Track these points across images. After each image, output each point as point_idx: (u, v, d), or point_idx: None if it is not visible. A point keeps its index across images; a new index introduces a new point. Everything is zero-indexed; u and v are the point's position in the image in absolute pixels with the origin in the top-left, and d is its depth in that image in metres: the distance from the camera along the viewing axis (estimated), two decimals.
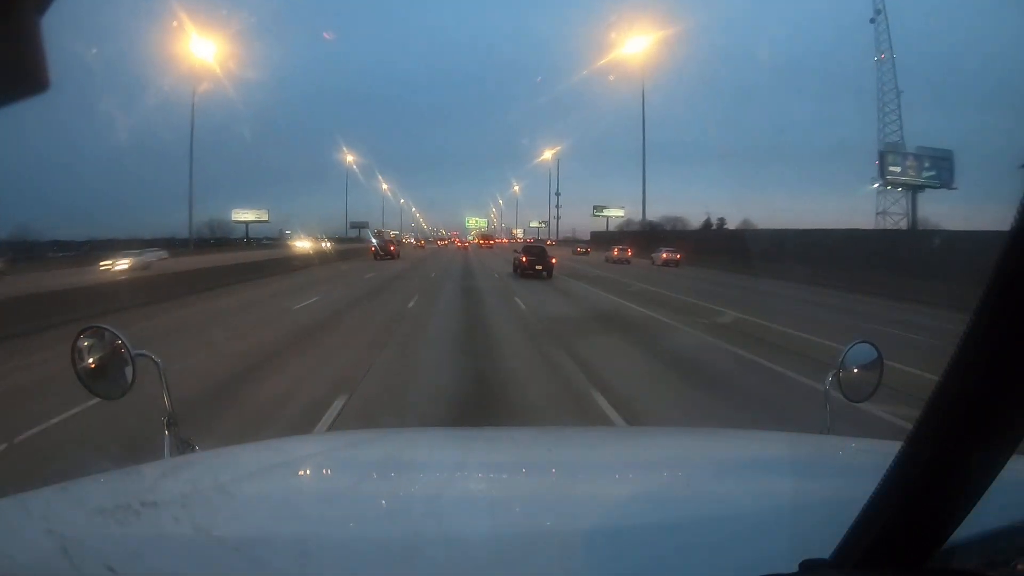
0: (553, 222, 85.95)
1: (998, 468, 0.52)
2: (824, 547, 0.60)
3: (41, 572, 0.66)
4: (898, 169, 39.69)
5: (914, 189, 40.06)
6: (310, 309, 11.61)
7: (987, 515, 0.59)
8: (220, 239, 61.37)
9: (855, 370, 1.38)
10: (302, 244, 43.72)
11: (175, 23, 39.10)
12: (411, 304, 12.34)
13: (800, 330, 9.53)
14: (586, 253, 46.42)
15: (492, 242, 72.84)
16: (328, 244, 45.12)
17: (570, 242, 70.83)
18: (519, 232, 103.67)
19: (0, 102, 0.40)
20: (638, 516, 0.87)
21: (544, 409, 5.10)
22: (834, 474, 1.10)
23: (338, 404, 4.88)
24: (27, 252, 33.34)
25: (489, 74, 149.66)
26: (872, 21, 40.78)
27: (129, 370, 1.27)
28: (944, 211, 41.09)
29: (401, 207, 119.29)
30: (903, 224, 39.53)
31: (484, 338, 8.56)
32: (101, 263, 24.75)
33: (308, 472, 1.18)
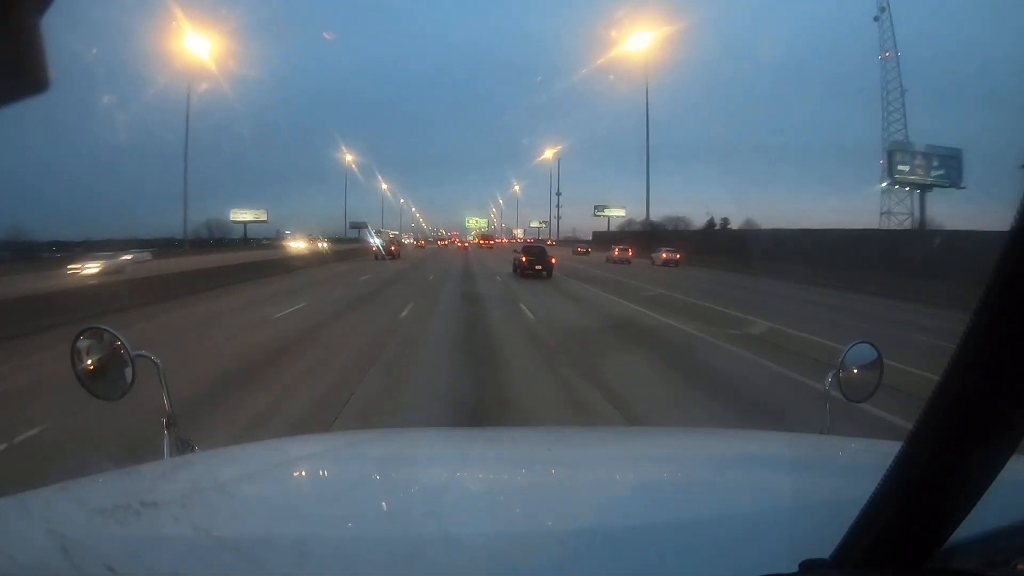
0: (554, 222, 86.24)
1: (998, 468, 0.52)
2: (824, 547, 0.60)
3: (41, 572, 0.66)
4: (907, 168, 39.17)
5: (923, 188, 39.58)
6: (292, 319, 10.23)
7: (987, 515, 0.59)
8: (218, 239, 61.44)
9: (855, 370, 1.38)
10: (297, 245, 43.24)
11: (174, 23, 39.13)
12: (404, 313, 10.93)
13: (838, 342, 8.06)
14: (586, 253, 46.51)
15: (492, 242, 72.76)
16: (325, 244, 44.91)
17: (571, 242, 70.87)
18: (519, 232, 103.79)
19: (0, 102, 0.40)
20: (638, 516, 0.87)
21: None
22: (834, 474, 1.10)
23: None
24: (25, 252, 32.92)
25: (489, 73, 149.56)
26: (876, 19, 40.61)
27: (128, 371, 1.27)
28: (948, 211, 40.73)
29: (401, 207, 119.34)
30: (907, 224, 39.34)
31: (487, 359, 7.03)
32: (69, 266, 22.59)
33: (308, 472, 1.18)
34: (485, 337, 8.59)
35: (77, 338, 1.29)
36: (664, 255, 31.78)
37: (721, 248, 31.48)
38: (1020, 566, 0.67)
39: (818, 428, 1.40)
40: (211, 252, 40.24)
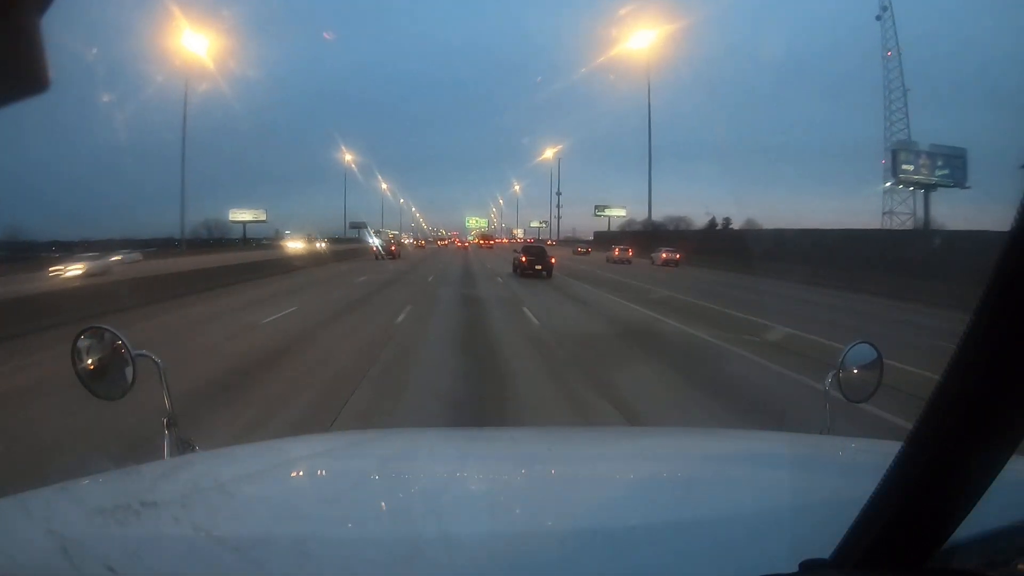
0: (554, 222, 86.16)
1: (998, 468, 0.52)
2: (824, 547, 0.60)
3: (41, 572, 0.66)
4: (911, 167, 38.74)
5: (927, 188, 39.24)
6: (279, 325, 9.61)
7: (987, 515, 0.59)
8: (217, 239, 61.43)
9: (855, 370, 1.39)
10: (294, 245, 42.87)
11: (174, 23, 39.12)
12: (400, 318, 10.25)
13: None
14: (587, 253, 46.63)
15: (492, 242, 72.88)
16: (323, 244, 44.68)
17: (571, 242, 70.87)
18: (519, 232, 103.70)
19: (0, 102, 0.40)
20: (638, 516, 0.87)
21: None
22: (834, 474, 1.10)
23: None
24: (24, 252, 32.60)
25: (489, 73, 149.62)
26: (878, 18, 40.34)
27: (129, 370, 1.27)
28: (951, 211, 40.50)
29: (401, 207, 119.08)
30: (910, 224, 39.12)
31: (490, 376, 6.25)
32: (51, 268, 21.29)
33: (308, 472, 1.18)
34: (487, 348, 7.81)
35: (78, 337, 1.29)
36: (664, 255, 31.92)
37: (721, 248, 31.53)
38: (1020, 566, 0.67)
39: (818, 428, 1.40)
40: (208, 252, 39.77)
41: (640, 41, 47.44)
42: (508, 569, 0.72)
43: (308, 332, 8.86)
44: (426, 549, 0.75)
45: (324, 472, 1.19)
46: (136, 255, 30.21)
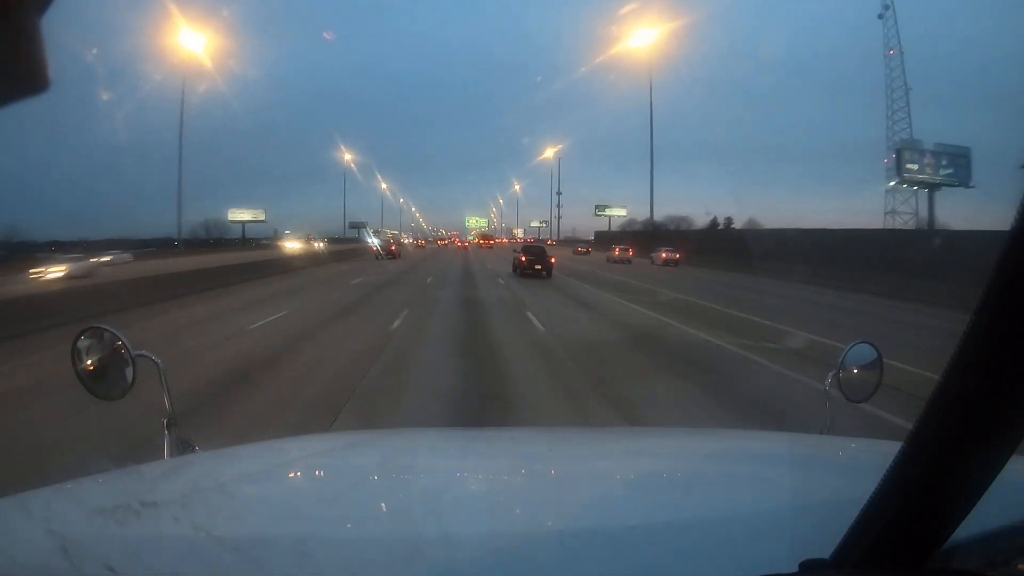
0: (554, 222, 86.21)
1: (998, 468, 0.52)
2: (824, 547, 0.60)
3: (41, 572, 0.66)
4: (915, 167, 38.45)
5: (932, 187, 38.95)
6: (267, 331, 9.02)
7: (987, 515, 0.59)
8: (216, 239, 61.43)
9: (855, 370, 1.39)
10: (292, 245, 42.65)
11: (174, 23, 39.13)
12: (396, 324, 9.61)
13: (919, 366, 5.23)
14: (587, 253, 46.68)
15: (492, 242, 72.90)
16: (321, 244, 44.48)
17: (571, 242, 70.93)
18: (519, 232, 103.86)
19: (0, 102, 0.40)
20: (638, 516, 0.87)
21: None
22: (834, 474, 1.10)
23: None
24: (22, 252, 32.31)
25: (489, 73, 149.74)
26: (880, 17, 40.27)
27: (129, 371, 1.27)
28: (955, 210, 40.34)
29: (401, 207, 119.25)
30: (912, 224, 38.97)
31: (493, 391, 5.62)
32: (31, 270, 20.52)
33: (308, 472, 1.18)
34: (489, 358, 7.23)
35: (78, 338, 1.29)
36: (664, 255, 32.03)
37: (722, 248, 31.52)
38: (1020, 566, 0.67)
39: (818, 428, 1.40)
40: (205, 253, 39.44)
41: (641, 40, 47.53)
42: (508, 569, 0.72)
43: (303, 336, 8.52)
44: (426, 549, 0.75)
45: (324, 472, 1.19)
46: (127, 256, 29.42)
